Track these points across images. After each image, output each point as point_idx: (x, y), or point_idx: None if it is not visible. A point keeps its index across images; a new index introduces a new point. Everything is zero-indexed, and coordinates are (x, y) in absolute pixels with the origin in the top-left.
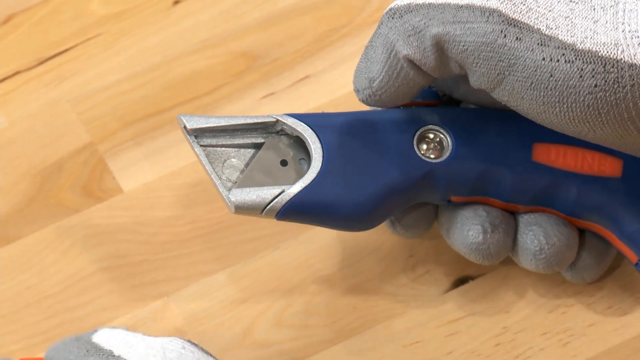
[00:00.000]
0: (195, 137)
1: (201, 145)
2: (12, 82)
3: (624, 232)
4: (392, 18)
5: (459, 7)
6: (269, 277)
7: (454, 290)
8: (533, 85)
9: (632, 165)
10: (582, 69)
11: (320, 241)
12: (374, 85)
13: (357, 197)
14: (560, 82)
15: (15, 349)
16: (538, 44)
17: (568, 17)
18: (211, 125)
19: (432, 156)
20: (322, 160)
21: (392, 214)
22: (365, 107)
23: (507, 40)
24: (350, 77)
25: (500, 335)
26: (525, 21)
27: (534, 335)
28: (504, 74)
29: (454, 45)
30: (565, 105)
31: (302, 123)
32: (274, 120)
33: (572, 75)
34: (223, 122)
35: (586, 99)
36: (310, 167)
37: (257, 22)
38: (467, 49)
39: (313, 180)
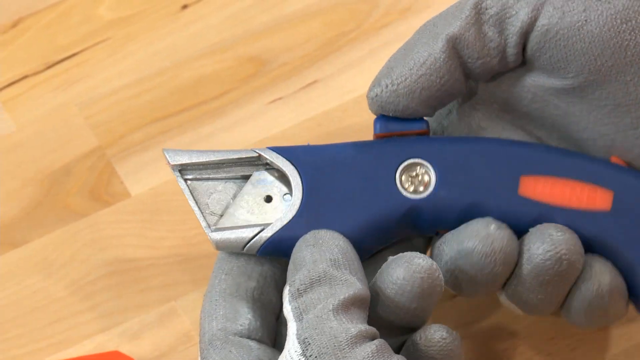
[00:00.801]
0: (180, 171)
1: (185, 179)
2: (20, 86)
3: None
4: None
5: None
6: None
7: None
8: None
9: (622, 197)
10: None
11: None
12: (394, 75)
13: None
14: None
15: (20, 353)
16: None
17: None
18: (194, 160)
19: (417, 191)
20: (302, 197)
21: (375, 250)
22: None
23: None
24: (359, 81)
25: (508, 340)
26: None
27: (542, 340)
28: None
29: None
30: (606, 2)
31: (283, 158)
32: (256, 154)
33: None
34: (205, 158)
35: None
36: (290, 205)
37: (265, 27)
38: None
39: (292, 218)
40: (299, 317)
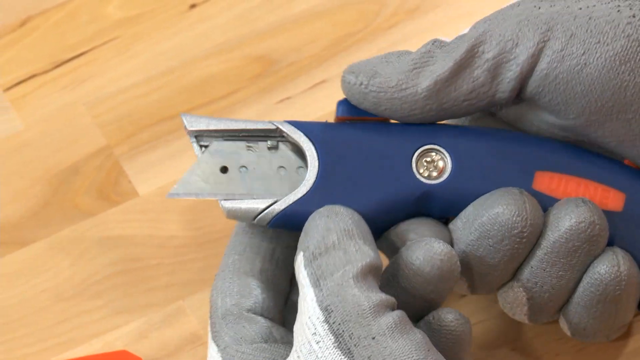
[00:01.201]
0: (196, 137)
1: (201, 146)
2: (28, 85)
3: None
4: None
5: (492, 13)
6: None
7: (468, 295)
8: (572, 36)
9: (635, 200)
10: (618, 5)
11: None
12: (374, 81)
13: None
14: (599, 20)
15: (28, 353)
16: (573, 1)
17: None
18: (211, 127)
19: (431, 176)
20: (317, 173)
21: (384, 231)
22: None
23: (542, 10)
24: None
25: (516, 341)
26: None
27: (549, 340)
28: (543, 41)
29: (491, 41)
30: (605, 44)
31: (300, 132)
32: (274, 127)
33: (610, 12)
34: (222, 125)
35: (626, 29)
36: (305, 180)
37: (272, 27)
38: (503, 35)
39: (306, 193)
40: (316, 284)
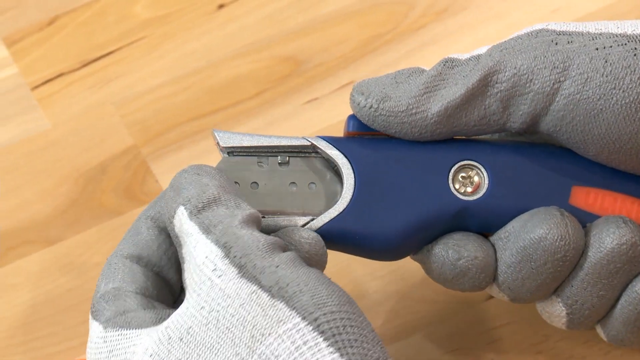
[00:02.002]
0: (228, 154)
1: None
2: (56, 84)
3: None
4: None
5: (509, 39)
6: None
7: (495, 298)
8: (588, 79)
9: None
10: (635, 48)
11: None
12: (385, 104)
13: (385, 231)
14: (615, 65)
15: (54, 352)
16: (589, 39)
17: (614, 23)
18: (244, 144)
19: (467, 192)
20: (354, 190)
21: (422, 246)
22: None
23: (559, 47)
24: None
25: (542, 344)
26: (573, 30)
27: (576, 343)
28: (559, 81)
29: (506, 72)
30: (621, 90)
31: (335, 149)
32: (308, 143)
33: (626, 55)
34: (256, 142)
35: None
36: (341, 197)
37: (301, 27)
38: (519, 69)
39: (342, 211)
40: (207, 231)
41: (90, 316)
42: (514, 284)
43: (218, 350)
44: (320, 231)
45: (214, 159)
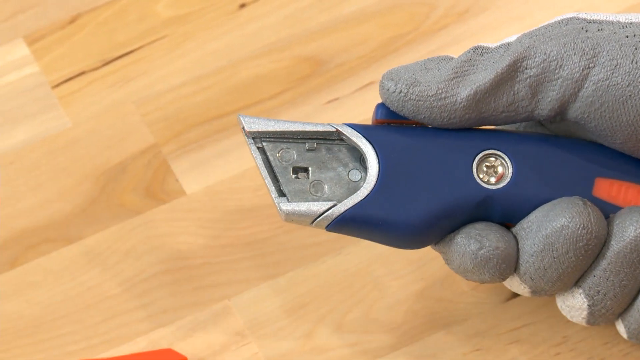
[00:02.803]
0: (253, 139)
1: (258, 148)
2: (77, 82)
3: None
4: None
5: (539, 27)
6: (330, 283)
7: (514, 298)
8: (618, 66)
9: None
10: None
11: (381, 247)
12: (413, 89)
13: (408, 218)
14: None
15: (74, 350)
16: (620, 27)
17: None
18: (270, 129)
19: (491, 181)
20: (377, 177)
21: (444, 235)
22: None
23: (589, 34)
24: None
25: (561, 345)
26: (603, 19)
27: (595, 345)
28: (588, 67)
29: (535, 58)
30: None
31: (361, 136)
32: (333, 130)
33: None
34: (281, 127)
35: None
36: (365, 183)
37: (322, 27)
38: (549, 54)
39: (365, 197)
40: None
41: None
42: (536, 273)
43: None
44: (343, 216)
45: (235, 158)
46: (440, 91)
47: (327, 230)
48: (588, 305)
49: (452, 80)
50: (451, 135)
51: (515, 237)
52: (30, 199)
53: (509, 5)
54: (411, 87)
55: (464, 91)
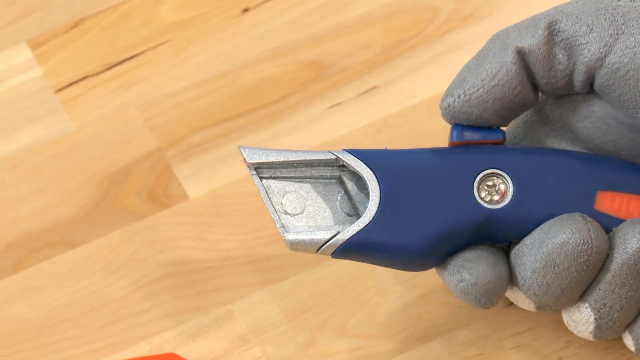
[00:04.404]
0: (256, 169)
1: (261, 178)
2: (80, 86)
3: None
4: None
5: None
6: (333, 287)
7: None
8: None
9: None
10: None
11: None
12: (466, 85)
13: (412, 242)
14: None
15: (77, 354)
16: None
17: None
18: (271, 159)
19: (493, 200)
20: (379, 203)
21: (448, 256)
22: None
23: (621, 3)
24: (419, 87)
25: (563, 350)
26: None
27: (597, 349)
28: (617, 34)
29: (567, 21)
30: None
31: (361, 162)
32: (333, 157)
33: None
34: (282, 157)
35: None
36: (367, 209)
37: (326, 32)
38: (580, 18)
39: (368, 224)
40: None
41: None
42: (539, 289)
43: None
44: (348, 243)
45: (239, 163)
46: (489, 69)
47: (333, 257)
48: (595, 318)
49: (495, 56)
50: (451, 156)
51: (510, 262)
52: (33, 203)
53: (513, 10)
54: (463, 85)
55: (509, 57)
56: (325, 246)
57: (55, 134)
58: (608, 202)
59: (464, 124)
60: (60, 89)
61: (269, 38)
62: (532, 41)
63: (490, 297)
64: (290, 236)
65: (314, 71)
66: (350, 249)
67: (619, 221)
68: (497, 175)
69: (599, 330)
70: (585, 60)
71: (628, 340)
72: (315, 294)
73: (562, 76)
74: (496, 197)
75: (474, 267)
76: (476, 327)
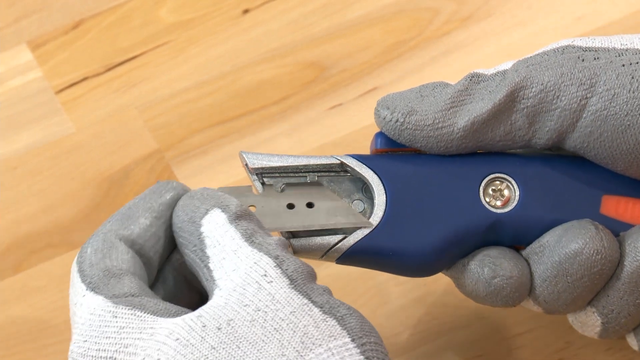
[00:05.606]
0: (257, 175)
1: (263, 184)
2: (81, 87)
3: None
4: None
5: (535, 55)
6: (332, 288)
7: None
8: (615, 95)
9: None
10: None
11: None
12: (414, 117)
13: (418, 247)
14: None
15: None
16: (616, 55)
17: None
18: (273, 164)
19: (498, 205)
20: (385, 208)
21: (454, 261)
22: None
23: (585, 63)
24: None
25: (564, 350)
26: (599, 46)
27: (598, 350)
28: (586, 97)
29: (533, 87)
30: None
31: (366, 167)
32: (337, 162)
33: None
34: (284, 162)
35: None
36: (373, 214)
37: (326, 33)
38: (546, 85)
39: (374, 229)
40: (249, 239)
41: (82, 285)
42: (550, 297)
43: (262, 347)
44: (353, 249)
45: (238, 163)
46: (437, 121)
47: (337, 263)
48: (602, 322)
49: (449, 109)
50: (456, 160)
51: (527, 260)
52: (33, 204)
53: (512, 11)
54: (408, 116)
55: (461, 121)
56: (330, 252)
57: (55, 135)
58: (613, 206)
59: (388, 136)
60: (60, 90)
61: (269, 39)
62: (488, 110)
63: (523, 292)
64: (295, 242)
65: (314, 72)
66: (356, 255)
67: (624, 225)
68: (503, 180)
69: (604, 332)
70: (556, 126)
71: (632, 341)
72: None
73: (520, 141)
74: (500, 202)
75: (504, 262)
76: (476, 328)
